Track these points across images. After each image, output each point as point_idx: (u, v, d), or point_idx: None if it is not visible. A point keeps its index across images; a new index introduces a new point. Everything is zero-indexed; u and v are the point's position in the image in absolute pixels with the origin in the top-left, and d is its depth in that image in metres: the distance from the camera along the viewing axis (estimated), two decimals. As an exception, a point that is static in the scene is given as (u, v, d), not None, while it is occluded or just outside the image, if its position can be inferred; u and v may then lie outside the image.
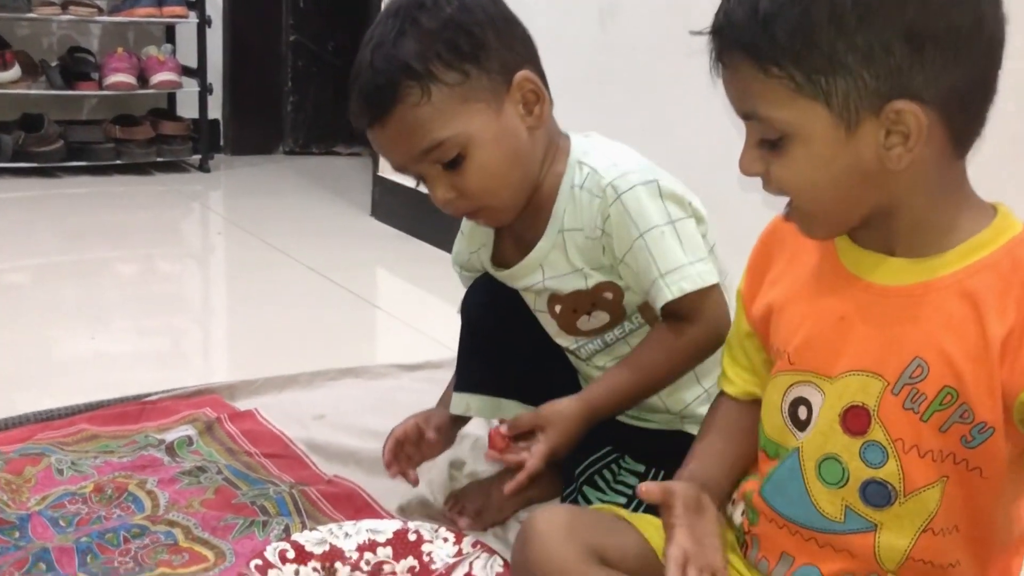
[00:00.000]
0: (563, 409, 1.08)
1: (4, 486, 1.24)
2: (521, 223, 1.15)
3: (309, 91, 3.85)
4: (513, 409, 1.21)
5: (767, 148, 0.80)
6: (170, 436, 1.40)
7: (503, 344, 1.22)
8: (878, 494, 0.83)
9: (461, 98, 1.04)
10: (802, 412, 0.86)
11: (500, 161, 1.07)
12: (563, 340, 1.19)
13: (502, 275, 1.20)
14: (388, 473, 1.20)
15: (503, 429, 1.07)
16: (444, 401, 1.25)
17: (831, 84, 0.75)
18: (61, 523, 1.18)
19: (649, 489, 0.86)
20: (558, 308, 1.16)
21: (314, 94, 3.85)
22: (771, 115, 0.78)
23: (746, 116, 0.80)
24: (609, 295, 1.13)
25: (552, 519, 0.92)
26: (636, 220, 1.07)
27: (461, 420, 1.25)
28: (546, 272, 1.15)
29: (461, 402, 1.23)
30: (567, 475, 1.20)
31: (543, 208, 1.13)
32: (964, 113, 0.77)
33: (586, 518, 0.96)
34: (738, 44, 0.77)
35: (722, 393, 0.99)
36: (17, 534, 1.15)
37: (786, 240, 0.90)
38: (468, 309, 1.25)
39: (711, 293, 1.08)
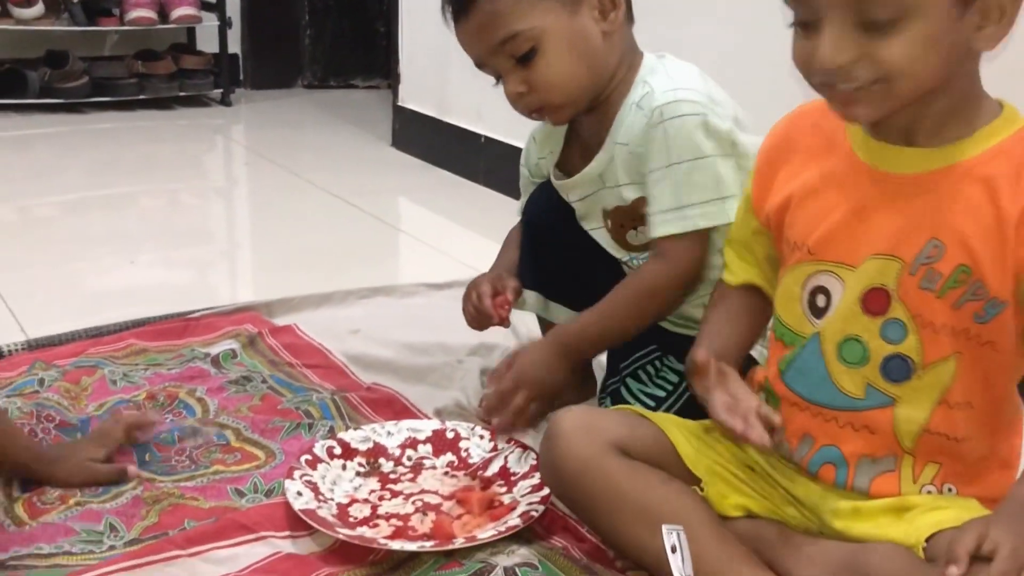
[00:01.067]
0: (532, 353, 1.21)
1: (64, 393, 1.32)
2: (588, 132, 1.20)
3: (326, 24, 3.86)
4: (558, 311, 1.30)
5: (871, 30, 0.78)
6: (215, 349, 1.47)
7: (556, 249, 1.29)
8: (898, 368, 0.88)
9: None
10: (820, 300, 0.92)
11: (569, 59, 1.12)
12: (618, 253, 1.24)
13: (564, 183, 1.24)
14: (502, 322, 1.26)
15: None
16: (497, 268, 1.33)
17: None
18: (119, 427, 1.27)
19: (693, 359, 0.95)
20: (610, 222, 1.22)
21: (331, 27, 3.86)
22: None
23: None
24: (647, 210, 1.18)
25: (574, 419, 0.99)
26: (669, 149, 1.11)
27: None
28: (605, 182, 1.19)
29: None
30: (611, 367, 1.27)
31: (608, 119, 1.17)
32: None
33: (607, 417, 1.03)
34: None
35: (721, 282, 1.05)
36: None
37: (797, 140, 0.95)
38: (528, 212, 1.32)
39: (692, 238, 1.13)
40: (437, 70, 2.75)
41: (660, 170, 1.12)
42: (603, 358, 1.32)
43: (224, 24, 3.41)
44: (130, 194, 2.58)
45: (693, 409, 1.02)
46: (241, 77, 3.77)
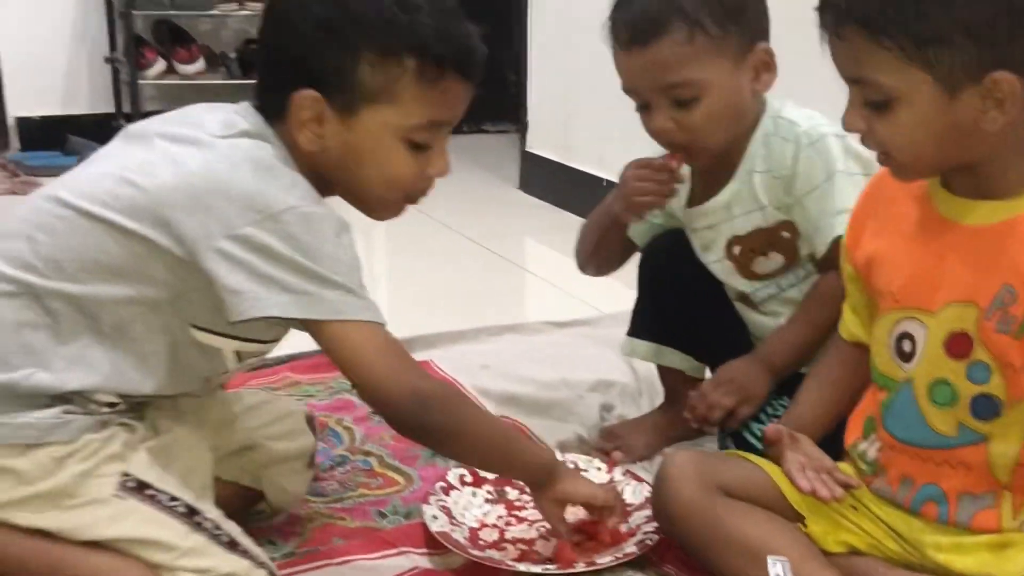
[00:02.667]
0: (746, 369, 1.23)
1: (230, 421, 1.49)
2: (715, 165, 1.26)
3: (459, 73, 4.05)
4: (671, 356, 1.39)
5: (871, 109, 0.91)
6: (358, 383, 1.62)
7: (673, 298, 1.36)
8: (986, 407, 0.94)
9: (715, 50, 1.15)
10: (907, 346, 0.98)
11: (724, 112, 1.19)
12: (740, 284, 1.30)
13: (691, 212, 1.31)
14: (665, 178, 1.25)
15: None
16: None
17: (937, 55, 0.85)
18: (277, 452, 1.42)
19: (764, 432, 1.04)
20: (737, 250, 1.28)
21: (464, 75, 4.05)
22: (879, 81, 0.88)
23: (853, 81, 0.91)
24: (787, 234, 1.24)
25: (681, 464, 1.07)
26: (825, 164, 1.19)
27: None
28: (733, 210, 1.26)
29: (628, 345, 1.42)
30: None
31: (736, 152, 1.24)
32: None
33: (711, 461, 1.11)
34: (853, 17, 0.88)
35: (837, 334, 1.11)
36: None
37: (886, 194, 1.02)
38: (645, 267, 1.39)
39: None
40: (562, 118, 2.88)
41: (822, 185, 1.19)
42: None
43: (364, 75, 3.64)
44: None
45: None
46: (378, 123, 3.99)
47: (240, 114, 1.01)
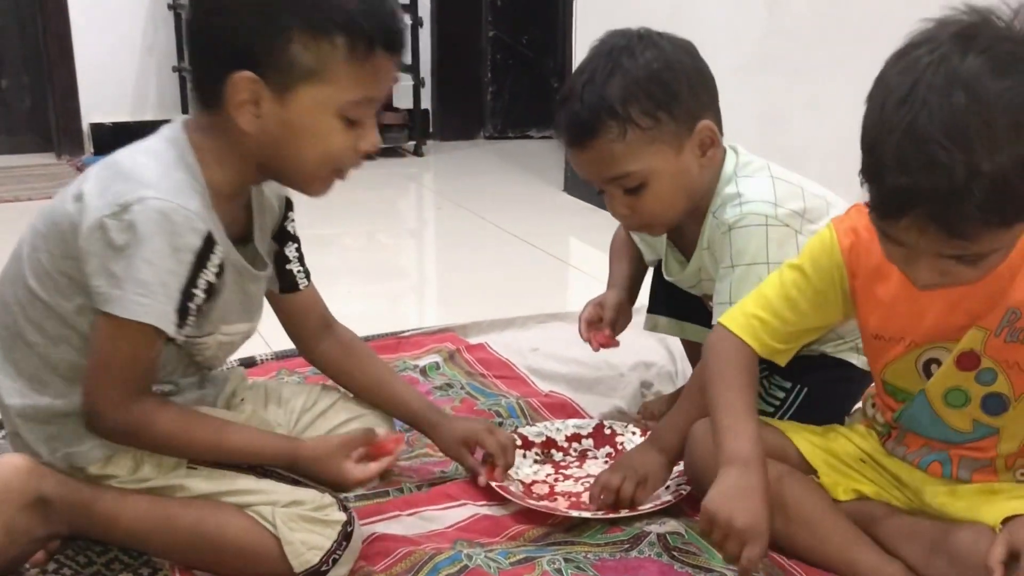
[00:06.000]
0: (640, 454, 1.29)
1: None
2: (684, 240, 1.34)
3: (506, 81, 4.16)
4: (691, 329, 1.49)
5: (953, 261, 0.91)
6: (422, 362, 1.77)
7: None
8: (996, 404, 1.05)
9: (650, 140, 1.20)
10: (933, 368, 1.08)
11: (672, 193, 1.24)
12: None
13: (672, 280, 1.41)
14: (591, 346, 1.42)
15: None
16: (611, 284, 1.50)
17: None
18: (350, 419, 1.58)
19: None
20: (711, 305, 1.31)
21: (511, 84, 4.16)
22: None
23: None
24: None
25: (705, 427, 1.17)
26: (732, 254, 1.22)
27: (631, 300, 1.48)
28: (701, 275, 1.35)
29: (651, 321, 1.52)
30: None
31: (697, 226, 1.30)
32: None
33: None
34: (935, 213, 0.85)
35: (743, 345, 1.12)
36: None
37: (871, 262, 1.07)
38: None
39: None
40: (606, 123, 3.01)
41: (724, 270, 1.24)
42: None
43: (417, 84, 3.78)
44: (335, 235, 2.92)
45: (801, 420, 1.24)
46: (431, 130, 4.14)
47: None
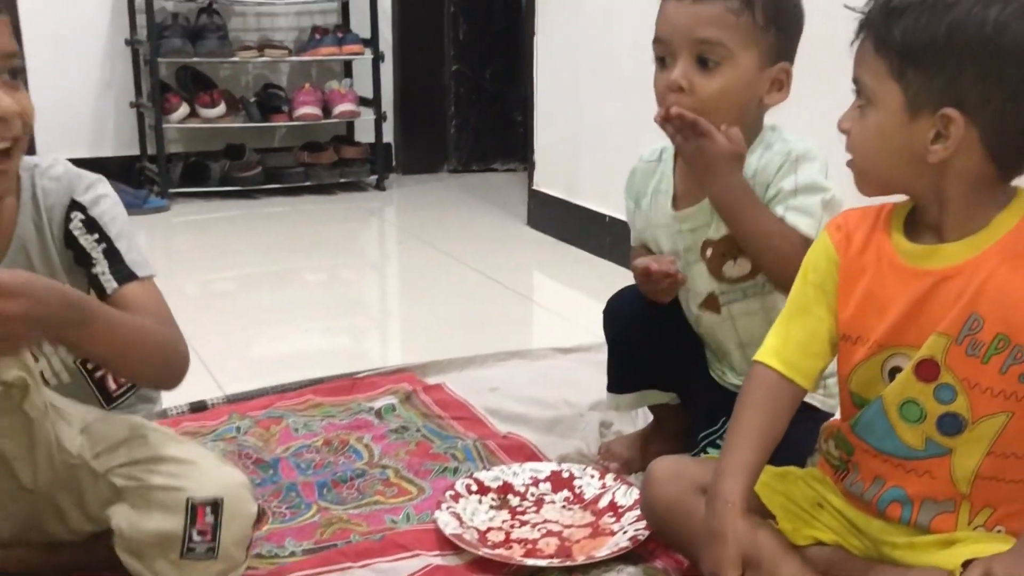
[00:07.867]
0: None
1: (258, 437, 1.62)
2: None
3: (470, 115, 4.17)
4: (652, 396, 1.49)
5: (859, 112, 1.01)
6: (377, 404, 1.74)
7: (640, 349, 1.46)
8: (951, 424, 1.03)
9: (753, 39, 1.24)
10: (896, 373, 1.06)
11: (736, 93, 1.25)
12: (710, 285, 1.35)
13: (679, 215, 1.35)
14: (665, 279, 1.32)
15: None
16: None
17: (913, 76, 0.96)
18: (302, 466, 1.53)
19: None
20: (709, 252, 1.33)
21: (474, 118, 4.17)
22: (867, 83, 1.00)
23: (855, 81, 1.03)
24: None
25: (664, 468, 1.17)
26: (798, 177, 1.25)
27: None
28: (714, 214, 1.30)
29: (612, 401, 1.52)
30: (691, 440, 1.42)
31: None
32: (1002, 139, 0.97)
33: (692, 464, 1.22)
34: (872, 28, 0.99)
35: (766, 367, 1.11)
36: (271, 471, 1.51)
37: (860, 256, 1.08)
38: (609, 329, 1.48)
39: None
40: (568, 157, 3.02)
41: (789, 193, 1.25)
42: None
43: (380, 118, 3.78)
44: (296, 270, 2.91)
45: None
46: (394, 164, 4.12)
47: None
